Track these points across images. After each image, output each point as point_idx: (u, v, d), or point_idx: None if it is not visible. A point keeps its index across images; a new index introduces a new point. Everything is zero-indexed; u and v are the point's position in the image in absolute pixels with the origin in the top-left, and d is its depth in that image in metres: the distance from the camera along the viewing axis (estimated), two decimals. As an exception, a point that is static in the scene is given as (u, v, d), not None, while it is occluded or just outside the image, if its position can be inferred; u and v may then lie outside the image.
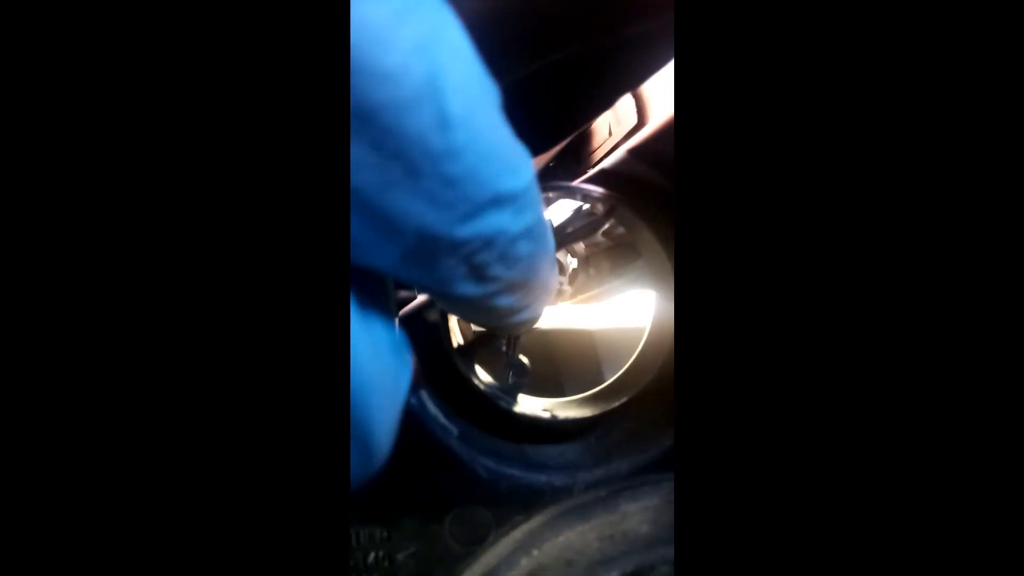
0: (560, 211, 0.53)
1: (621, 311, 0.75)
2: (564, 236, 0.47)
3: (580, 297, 0.67)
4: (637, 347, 0.47)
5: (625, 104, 0.56)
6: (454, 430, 0.40)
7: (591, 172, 0.44)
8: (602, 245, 0.61)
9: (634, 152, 0.43)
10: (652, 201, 0.43)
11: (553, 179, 0.48)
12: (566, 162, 0.61)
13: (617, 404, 0.41)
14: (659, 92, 0.53)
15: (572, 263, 0.60)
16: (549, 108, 0.51)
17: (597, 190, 0.43)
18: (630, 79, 0.45)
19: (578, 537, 0.36)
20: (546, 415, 0.41)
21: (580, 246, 0.61)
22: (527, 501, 0.40)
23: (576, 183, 0.44)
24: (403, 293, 0.43)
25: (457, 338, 0.42)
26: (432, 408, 0.40)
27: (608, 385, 0.44)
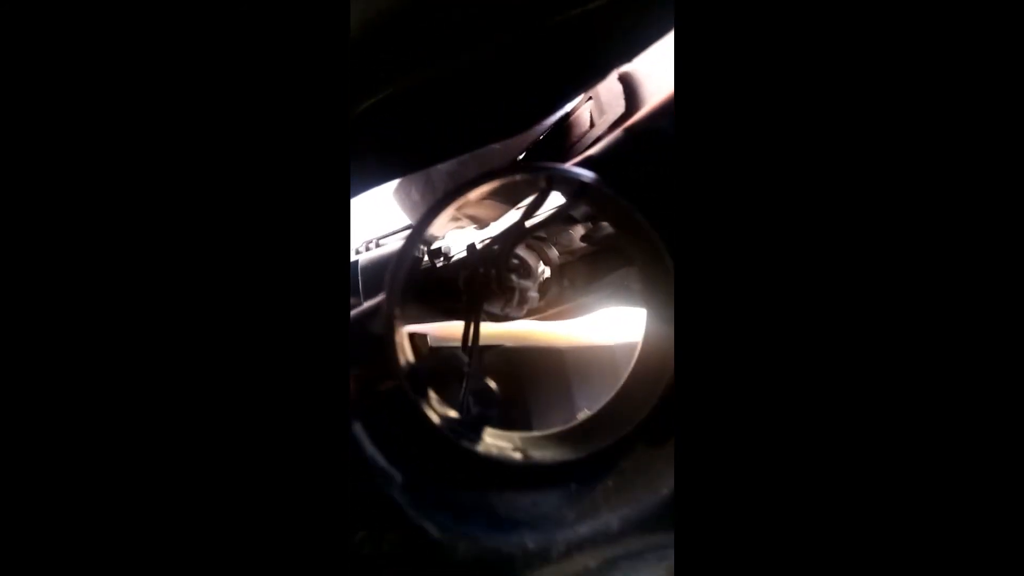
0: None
1: (596, 327, 0.68)
2: (524, 228, 0.39)
3: (552, 312, 0.59)
4: (625, 371, 0.38)
5: (610, 91, 0.48)
6: (398, 476, 0.31)
7: (579, 157, 0.36)
8: (579, 252, 0.53)
9: (630, 131, 0.35)
10: (649, 194, 0.35)
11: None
12: (541, 155, 0.53)
13: (607, 444, 0.32)
14: (652, 74, 0.46)
15: (544, 271, 0.52)
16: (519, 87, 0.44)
17: (576, 171, 0.35)
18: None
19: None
20: (517, 456, 0.32)
21: (554, 252, 0.53)
22: (492, 569, 0.31)
23: (550, 164, 0.36)
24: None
25: (407, 355, 0.33)
26: (369, 447, 0.30)
27: (594, 417, 0.36)
